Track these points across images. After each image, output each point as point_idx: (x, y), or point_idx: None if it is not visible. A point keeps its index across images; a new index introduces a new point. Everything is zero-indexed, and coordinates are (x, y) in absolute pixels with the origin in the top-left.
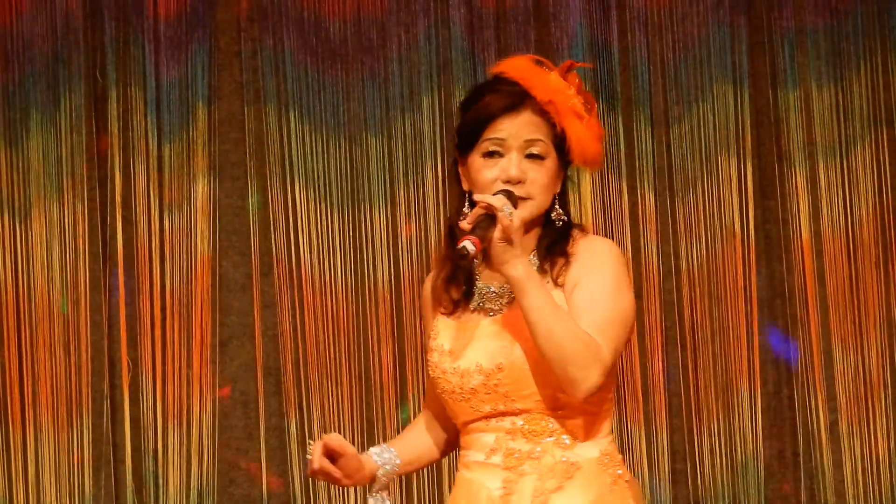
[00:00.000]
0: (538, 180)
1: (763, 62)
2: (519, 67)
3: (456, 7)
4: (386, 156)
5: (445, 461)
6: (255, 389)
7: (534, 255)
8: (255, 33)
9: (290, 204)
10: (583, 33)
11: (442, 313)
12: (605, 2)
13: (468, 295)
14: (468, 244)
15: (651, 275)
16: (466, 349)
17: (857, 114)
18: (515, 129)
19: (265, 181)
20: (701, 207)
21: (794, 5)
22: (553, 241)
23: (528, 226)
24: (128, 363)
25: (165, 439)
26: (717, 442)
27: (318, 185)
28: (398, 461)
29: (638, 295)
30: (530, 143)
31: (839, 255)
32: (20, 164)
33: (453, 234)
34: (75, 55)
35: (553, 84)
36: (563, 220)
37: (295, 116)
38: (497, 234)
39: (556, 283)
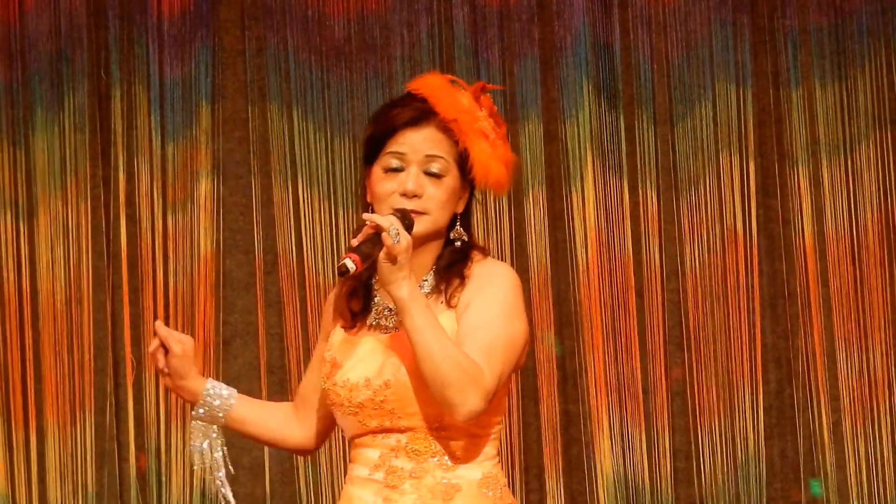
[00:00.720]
0: (435, 196)
1: (766, 61)
2: (430, 85)
3: (459, 6)
4: None
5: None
6: (259, 388)
7: (431, 274)
8: (258, 32)
9: (293, 202)
10: (586, 31)
11: (341, 326)
12: (607, 0)
13: (366, 310)
14: (348, 262)
15: (653, 274)
16: (357, 364)
17: (862, 113)
18: (416, 143)
19: (269, 180)
20: (703, 207)
21: (797, 4)
22: (451, 262)
23: (423, 242)
24: (131, 361)
25: (168, 437)
26: (719, 442)
27: (322, 184)
28: (228, 403)
29: (639, 294)
30: (430, 158)
31: (843, 255)
32: (24, 163)
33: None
34: (79, 54)
35: (461, 104)
36: (462, 241)
37: (298, 115)
38: (382, 254)
39: (448, 304)
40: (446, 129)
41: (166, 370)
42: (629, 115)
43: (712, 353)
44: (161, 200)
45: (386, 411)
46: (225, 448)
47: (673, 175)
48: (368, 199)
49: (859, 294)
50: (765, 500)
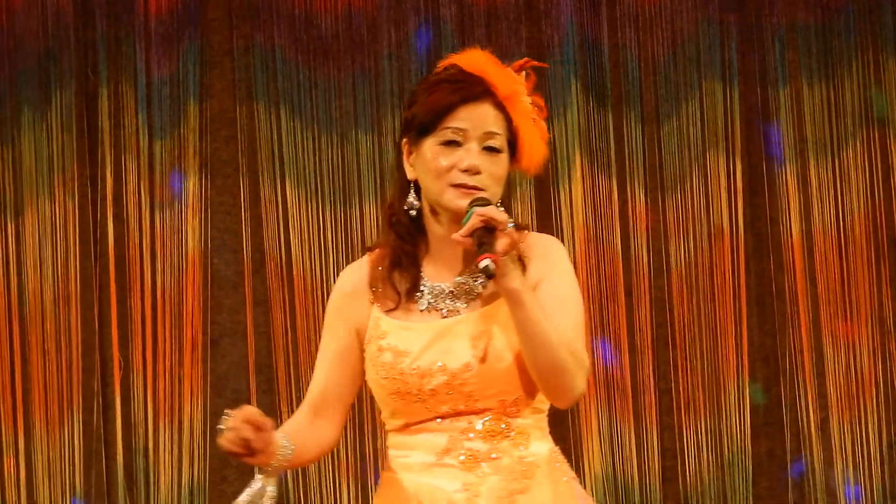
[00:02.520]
0: (494, 172)
1: (753, 59)
2: (479, 60)
3: (447, 5)
4: (376, 152)
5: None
6: (247, 387)
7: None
8: (246, 30)
9: (281, 201)
10: (573, 30)
11: (386, 310)
12: None
13: (415, 287)
14: (490, 264)
15: (641, 272)
16: (427, 350)
17: (849, 111)
18: (477, 119)
19: (256, 178)
20: (690, 205)
21: (784, 2)
22: None
23: None
24: (119, 361)
25: (157, 437)
26: (706, 440)
27: (310, 182)
28: (291, 453)
29: (628, 292)
30: (489, 135)
31: (830, 252)
32: (11, 162)
33: (396, 222)
34: (66, 53)
35: (512, 80)
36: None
37: (286, 113)
38: (502, 248)
39: None
40: (500, 106)
41: (259, 445)
42: (617, 113)
43: (700, 351)
44: (148, 199)
45: (463, 394)
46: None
47: (660, 173)
48: (411, 177)
49: (846, 292)
50: (752, 497)
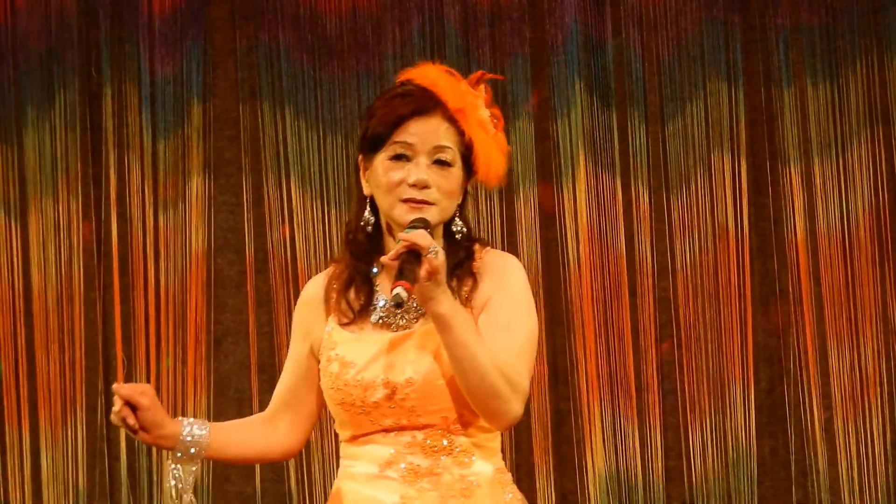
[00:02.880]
0: (443, 186)
1: (757, 59)
2: (429, 74)
3: (451, 4)
4: None
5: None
6: (250, 387)
7: None
8: (249, 30)
9: (284, 201)
10: (577, 30)
11: (339, 323)
12: None
13: (368, 305)
14: (401, 291)
15: (645, 272)
16: (372, 363)
17: (853, 111)
18: (425, 133)
19: (260, 178)
20: (695, 205)
21: (788, 2)
22: (459, 261)
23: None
24: (122, 360)
25: None
26: (710, 439)
27: (313, 182)
28: (206, 441)
29: (632, 292)
30: (439, 149)
31: (835, 253)
32: (16, 162)
33: (352, 239)
34: (70, 52)
35: (463, 93)
36: (462, 233)
37: (290, 113)
38: (423, 273)
39: (464, 303)
40: (451, 119)
41: (139, 426)
42: (621, 113)
43: (704, 351)
44: (152, 199)
45: (405, 409)
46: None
47: (664, 173)
48: (366, 192)
49: (851, 292)
50: (756, 497)
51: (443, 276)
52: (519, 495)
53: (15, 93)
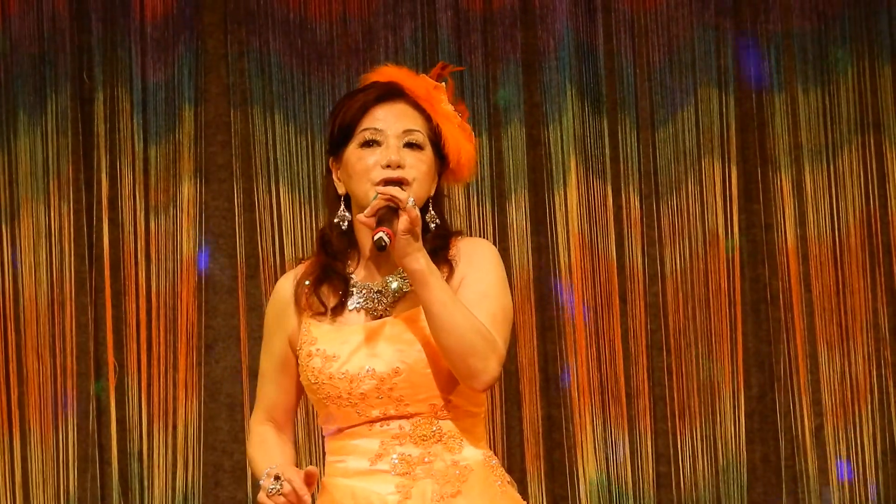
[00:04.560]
0: (417, 167)
1: (748, 66)
2: (392, 71)
3: (443, 10)
4: None
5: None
6: (241, 392)
7: None
8: (241, 35)
9: (275, 206)
10: (569, 36)
11: (313, 317)
12: (591, 5)
13: (345, 296)
14: (384, 236)
15: (636, 278)
16: (355, 354)
17: (844, 118)
18: (393, 118)
19: (251, 183)
20: (685, 211)
21: (780, 9)
22: (434, 248)
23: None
24: (114, 365)
25: (151, 441)
26: (701, 446)
27: (304, 187)
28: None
29: (622, 299)
30: (408, 132)
31: (825, 259)
32: (7, 166)
33: (326, 241)
34: (62, 57)
35: (426, 86)
36: (436, 223)
37: (281, 119)
38: (402, 226)
39: None
40: (417, 106)
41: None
42: (612, 119)
43: (694, 358)
44: (143, 204)
45: (393, 399)
46: None
47: (655, 179)
48: (341, 192)
49: (841, 298)
50: (747, 503)
51: (419, 230)
52: (508, 477)
53: (6, 97)
